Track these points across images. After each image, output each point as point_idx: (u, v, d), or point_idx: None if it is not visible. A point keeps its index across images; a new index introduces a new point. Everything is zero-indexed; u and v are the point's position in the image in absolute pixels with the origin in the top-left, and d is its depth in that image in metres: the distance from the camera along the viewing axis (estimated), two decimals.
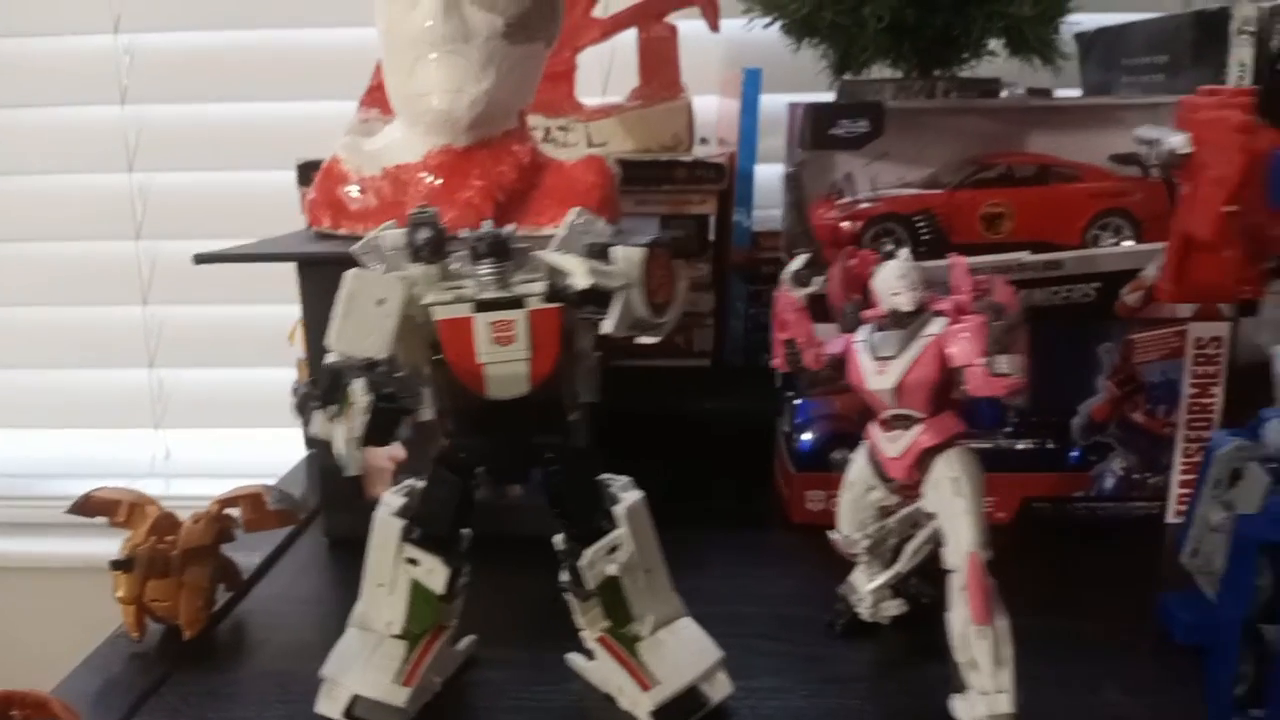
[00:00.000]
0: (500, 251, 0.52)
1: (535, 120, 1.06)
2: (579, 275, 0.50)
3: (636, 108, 1.07)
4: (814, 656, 0.65)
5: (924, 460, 0.57)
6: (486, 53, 0.79)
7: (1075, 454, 0.85)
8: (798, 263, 0.59)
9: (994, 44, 0.99)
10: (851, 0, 0.95)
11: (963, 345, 0.55)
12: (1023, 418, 0.84)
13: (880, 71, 1.00)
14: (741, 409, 0.95)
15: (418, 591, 0.58)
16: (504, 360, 0.52)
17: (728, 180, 1.01)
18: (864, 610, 0.67)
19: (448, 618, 0.62)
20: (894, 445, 0.58)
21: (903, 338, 0.57)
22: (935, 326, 0.57)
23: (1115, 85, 1.11)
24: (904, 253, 0.58)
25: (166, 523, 0.68)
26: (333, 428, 0.50)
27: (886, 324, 0.58)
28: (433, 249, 0.52)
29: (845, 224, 0.83)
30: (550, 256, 0.51)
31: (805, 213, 0.86)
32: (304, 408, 0.51)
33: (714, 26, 1.07)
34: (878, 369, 0.57)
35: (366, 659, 0.59)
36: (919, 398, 0.56)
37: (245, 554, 0.76)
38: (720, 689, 0.59)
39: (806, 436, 0.87)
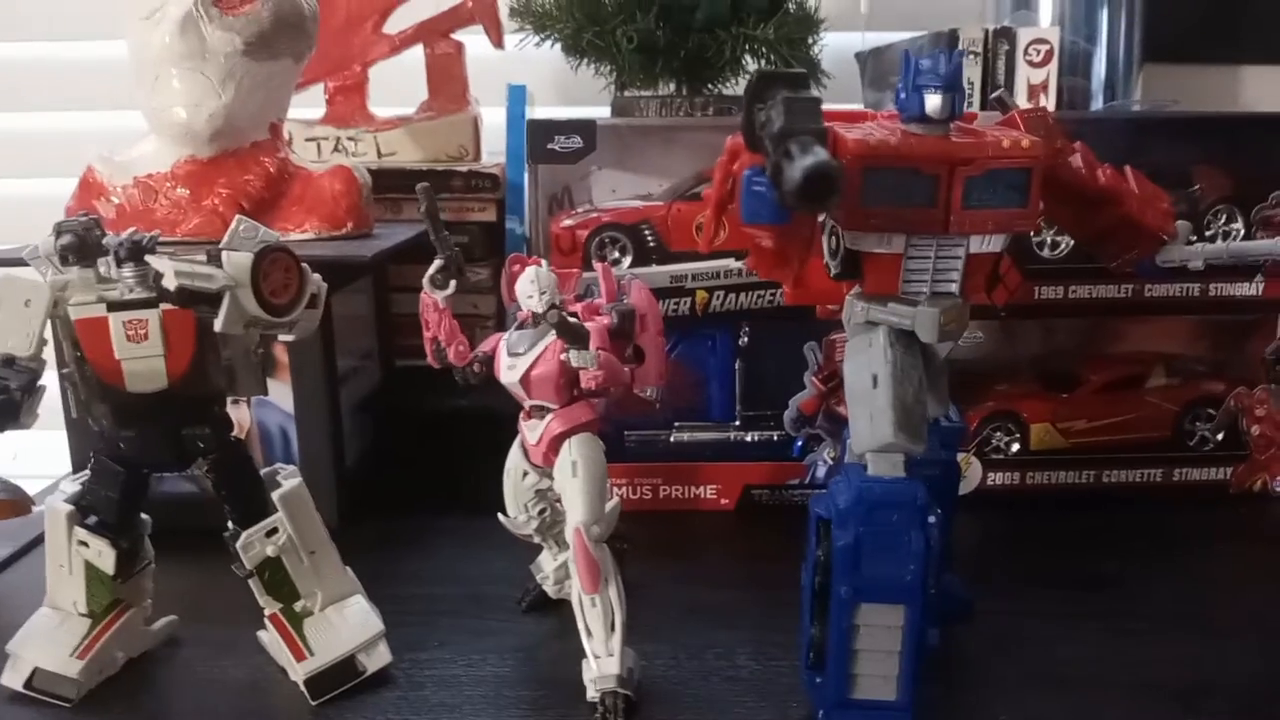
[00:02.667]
0: (138, 256, 0.57)
1: (326, 131, 1.12)
2: (168, 277, 0.55)
3: (424, 119, 1.12)
4: (490, 631, 0.71)
5: (556, 446, 0.63)
6: (226, 69, 0.84)
7: (799, 444, 0.92)
8: (435, 267, 0.64)
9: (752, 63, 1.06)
10: (611, 23, 1.01)
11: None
12: (747, 412, 0.91)
13: (666, 87, 1.06)
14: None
15: (92, 572, 0.63)
16: (140, 357, 0.57)
17: (504, 190, 1.07)
18: (549, 588, 0.73)
19: (135, 597, 0.66)
20: (533, 433, 0.64)
21: (533, 336, 0.62)
22: None
23: (885, 102, 1.19)
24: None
25: None
26: None
27: (527, 324, 0.63)
28: (77, 254, 0.57)
29: (578, 233, 0.88)
30: (157, 262, 0.56)
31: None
32: None
33: (497, 44, 1.12)
34: (510, 364, 0.62)
35: (49, 634, 0.63)
36: (546, 390, 0.62)
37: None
38: (378, 659, 0.64)
39: None
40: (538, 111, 1.21)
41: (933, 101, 0.55)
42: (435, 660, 0.67)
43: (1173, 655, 0.67)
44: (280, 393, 0.84)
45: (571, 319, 0.60)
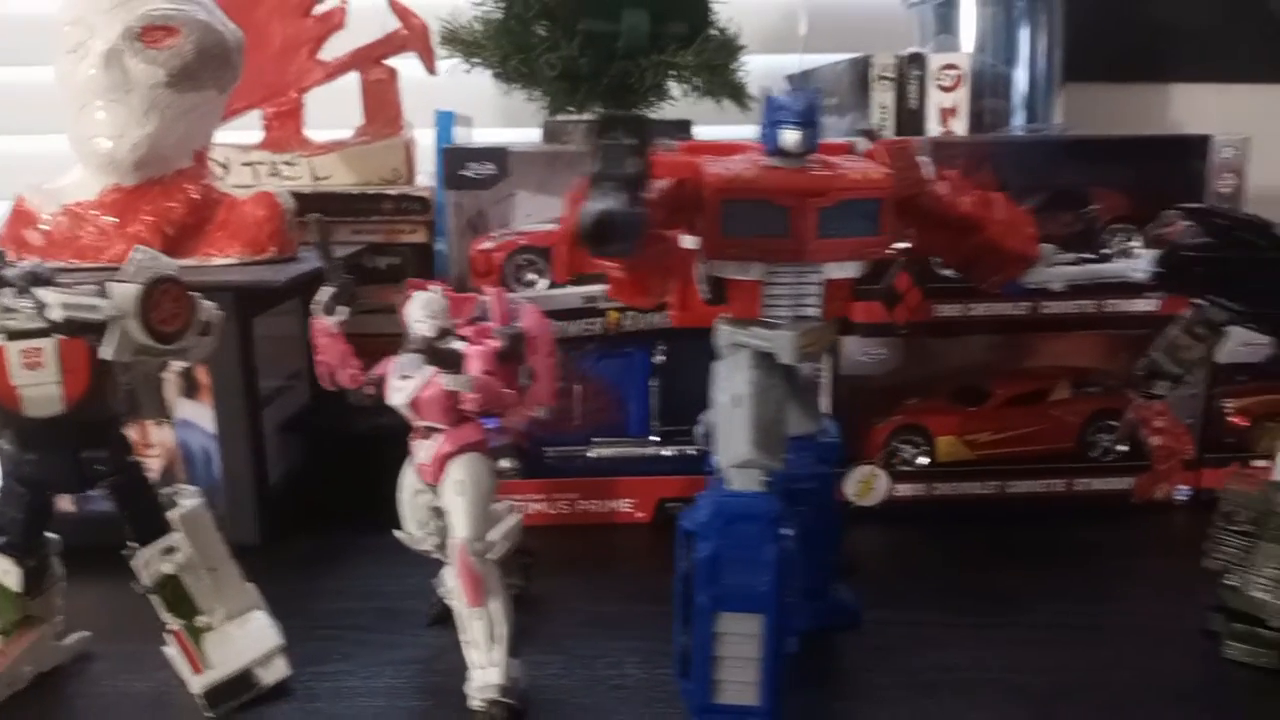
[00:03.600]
0: (35, 286, 0.59)
1: (263, 156, 1.14)
2: (54, 309, 0.57)
3: (358, 144, 1.15)
4: (394, 644, 0.73)
5: (444, 465, 0.66)
6: (149, 101, 0.87)
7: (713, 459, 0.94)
8: (325, 293, 0.67)
9: (677, 89, 1.09)
10: (535, 51, 1.04)
11: (466, 367, 0.64)
12: (664, 427, 0.94)
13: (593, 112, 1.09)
14: None
15: (0, 590, 0.65)
16: (36, 384, 0.59)
17: (434, 212, 1.10)
18: (452, 601, 0.75)
19: (45, 614, 0.69)
20: (424, 453, 0.66)
21: (422, 360, 0.65)
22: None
23: None
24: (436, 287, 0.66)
25: None
26: None
27: (417, 348, 0.66)
28: None
29: (495, 255, 0.91)
30: (45, 293, 0.59)
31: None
32: None
33: (430, 70, 1.15)
34: (398, 387, 0.65)
35: None
36: (434, 412, 0.65)
37: None
38: (275, 672, 0.67)
39: None
40: (480, 134, 1.24)
41: (789, 137, 0.58)
42: (336, 674, 0.69)
43: (1045, 661, 0.69)
44: (202, 414, 0.87)
45: (449, 344, 0.63)
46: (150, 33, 0.87)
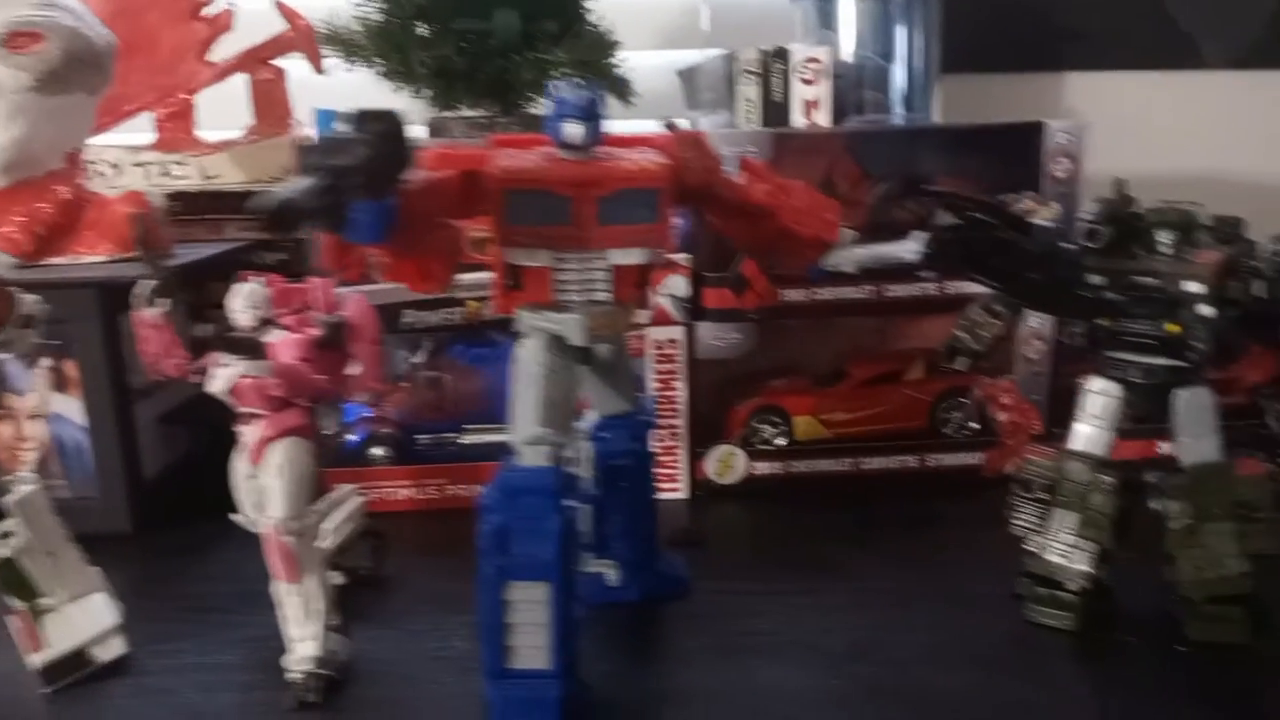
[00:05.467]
0: None
1: (154, 156, 1.17)
2: None
3: (248, 143, 1.17)
4: (240, 624, 0.76)
5: (265, 449, 0.69)
6: (14, 105, 0.89)
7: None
8: (145, 286, 0.70)
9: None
10: (411, 50, 1.08)
11: (279, 354, 0.67)
12: None
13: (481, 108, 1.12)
14: None
15: None
16: None
17: None
18: None
19: None
20: (249, 437, 0.70)
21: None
22: (266, 339, 0.68)
23: (699, 117, 1.25)
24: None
25: None
26: None
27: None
28: None
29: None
30: None
31: None
32: None
33: (318, 69, 1.18)
34: (215, 375, 0.68)
35: None
36: (252, 398, 0.68)
37: None
38: (112, 650, 0.70)
39: (352, 437, 0.98)
40: None
41: (572, 130, 0.61)
42: (176, 651, 0.72)
43: (854, 625, 0.73)
44: (72, 407, 0.90)
45: (265, 334, 0.66)
46: (15, 39, 0.89)
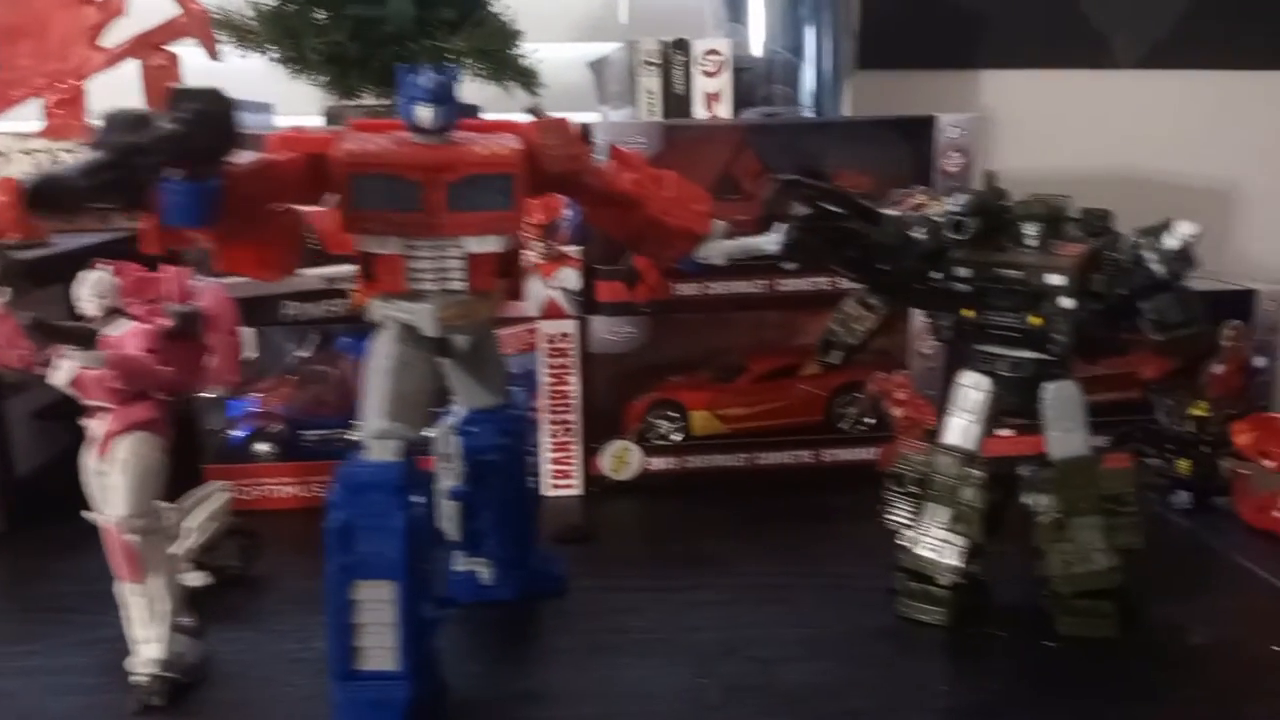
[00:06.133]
0: None
1: (43, 144, 1.13)
2: None
3: None
4: (95, 625, 0.72)
5: (111, 444, 0.66)
6: None
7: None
8: None
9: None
10: (303, 37, 1.05)
11: (126, 345, 0.64)
12: None
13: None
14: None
15: None
16: None
17: None
18: (188, 582, 0.75)
19: None
20: (95, 431, 0.67)
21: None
22: (113, 329, 0.65)
23: (609, 109, 1.24)
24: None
25: None
26: None
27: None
28: None
29: None
30: None
31: None
32: None
33: (212, 56, 1.15)
34: (57, 367, 0.65)
35: None
36: (96, 391, 0.65)
37: None
38: None
39: (236, 432, 0.95)
40: (286, 119, 1.23)
41: (423, 113, 0.59)
42: (28, 654, 0.70)
43: (725, 621, 0.72)
44: None
45: (112, 323, 0.63)
46: None
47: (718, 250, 0.69)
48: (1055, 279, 0.64)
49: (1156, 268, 0.62)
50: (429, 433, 0.71)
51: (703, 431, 0.98)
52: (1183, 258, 0.62)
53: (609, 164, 0.68)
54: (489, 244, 0.61)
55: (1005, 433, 1.00)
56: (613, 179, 0.67)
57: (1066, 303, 0.64)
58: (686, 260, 0.71)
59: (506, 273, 0.64)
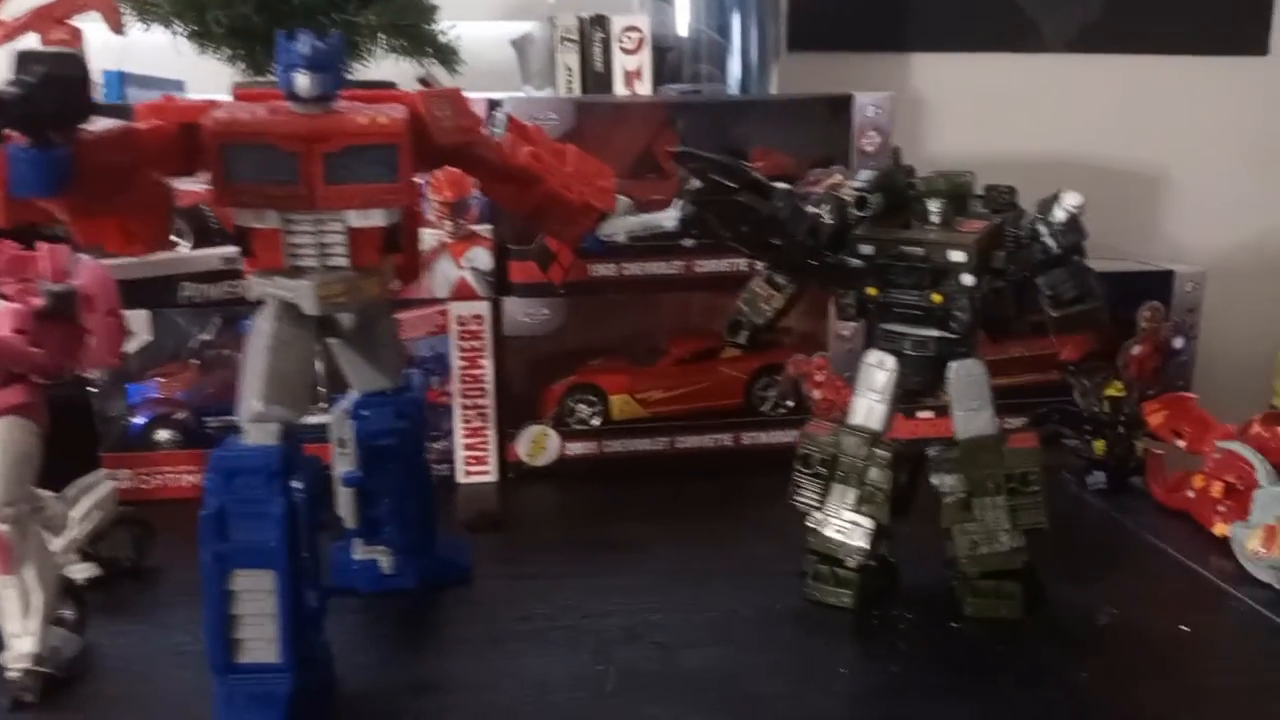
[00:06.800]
0: None
1: None
2: None
3: None
4: None
5: None
6: None
7: None
8: None
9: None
10: (206, 9, 1.01)
11: None
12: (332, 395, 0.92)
13: None
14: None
15: None
16: None
17: None
18: (75, 574, 0.72)
19: None
20: None
21: None
22: None
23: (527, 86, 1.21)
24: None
25: None
26: None
27: None
28: None
29: None
30: None
31: None
32: None
33: (116, 29, 1.10)
34: None
35: None
36: None
37: None
38: None
39: (136, 419, 0.92)
40: (200, 95, 1.20)
41: (301, 81, 0.57)
42: None
43: (637, 607, 0.71)
44: None
45: None
46: None
47: (621, 226, 0.67)
48: (956, 256, 0.63)
49: (1049, 241, 0.61)
50: (323, 417, 0.69)
51: (622, 416, 0.97)
52: (1072, 228, 0.62)
53: (506, 137, 0.66)
54: (373, 218, 0.59)
55: (925, 415, 1.00)
56: (509, 152, 0.65)
57: (967, 280, 0.63)
58: (590, 238, 0.69)
59: (396, 248, 0.61)
